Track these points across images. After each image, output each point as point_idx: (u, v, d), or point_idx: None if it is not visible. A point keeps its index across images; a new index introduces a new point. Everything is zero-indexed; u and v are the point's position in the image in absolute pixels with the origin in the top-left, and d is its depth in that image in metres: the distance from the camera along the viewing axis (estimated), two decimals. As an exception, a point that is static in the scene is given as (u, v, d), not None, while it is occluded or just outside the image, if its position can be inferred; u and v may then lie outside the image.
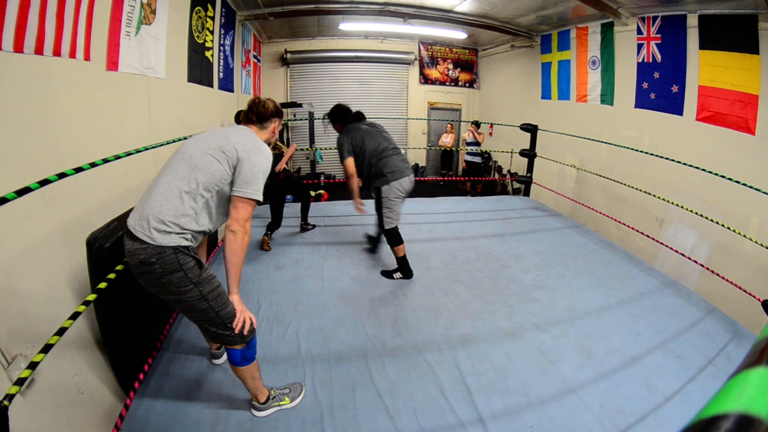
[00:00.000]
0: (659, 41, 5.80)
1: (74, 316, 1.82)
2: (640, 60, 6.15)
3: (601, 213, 5.78)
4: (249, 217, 1.95)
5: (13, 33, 2.03)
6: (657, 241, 4.74)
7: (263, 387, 2.25)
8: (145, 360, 2.58)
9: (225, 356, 2.54)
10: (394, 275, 3.89)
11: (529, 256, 4.40)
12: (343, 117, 3.92)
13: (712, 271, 3.98)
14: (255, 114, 2.21)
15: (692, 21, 5.28)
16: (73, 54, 2.55)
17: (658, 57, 5.85)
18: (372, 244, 4.57)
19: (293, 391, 2.38)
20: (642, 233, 4.88)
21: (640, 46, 6.12)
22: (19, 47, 2.08)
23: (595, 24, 6.97)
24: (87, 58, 2.71)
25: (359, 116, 3.99)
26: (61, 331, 1.72)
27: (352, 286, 3.73)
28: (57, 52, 2.39)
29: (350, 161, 3.77)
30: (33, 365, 1.58)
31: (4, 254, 1.91)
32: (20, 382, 1.49)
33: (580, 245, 4.75)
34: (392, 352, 2.83)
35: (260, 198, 1.97)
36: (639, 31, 6.09)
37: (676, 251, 4.43)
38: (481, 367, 2.67)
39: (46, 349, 1.63)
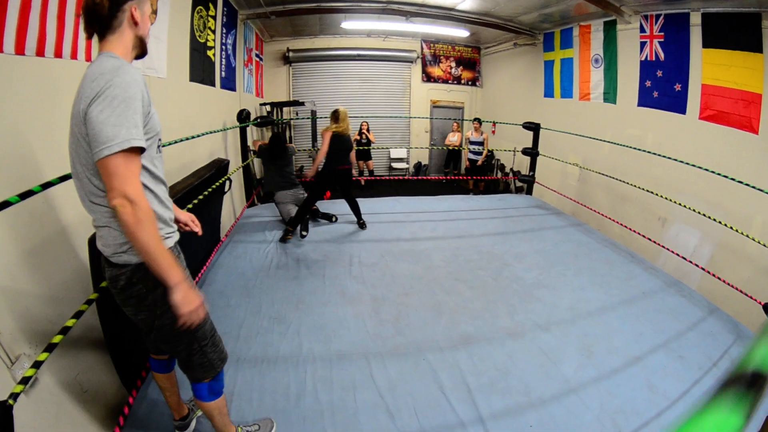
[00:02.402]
0: (662, 39, 5.75)
1: (77, 315, 1.84)
2: (643, 58, 6.10)
3: (602, 215, 5.77)
4: (126, 176, 1.34)
5: (15, 35, 2.03)
6: (658, 243, 4.71)
7: (230, 424, 2.03)
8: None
9: (192, 427, 2.23)
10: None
11: (531, 254, 4.40)
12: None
13: (713, 275, 3.95)
14: (92, 19, 1.45)
15: (695, 19, 5.23)
16: (74, 55, 2.54)
17: (661, 55, 5.81)
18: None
19: (263, 427, 2.18)
20: (643, 236, 4.85)
21: (643, 44, 6.07)
22: (20, 49, 2.07)
23: (597, 22, 6.92)
24: (88, 59, 2.68)
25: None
26: (64, 330, 1.73)
27: (353, 285, 3.74)
28: (58, 54, 2.39)
29: None
30: (37, 364, 1.59)
31: (8, 256, 1.91)
32: (25, 381, 1.51)
33: (583, 244, 4.75)
34: (393, 350, 2.84)
35: (135, 143, 1.34)
36: (642, 29, 6.05)
37: (677, 254, 4.40)
38: (482, 366, 2.66)
39: (50, 348, 1.65)
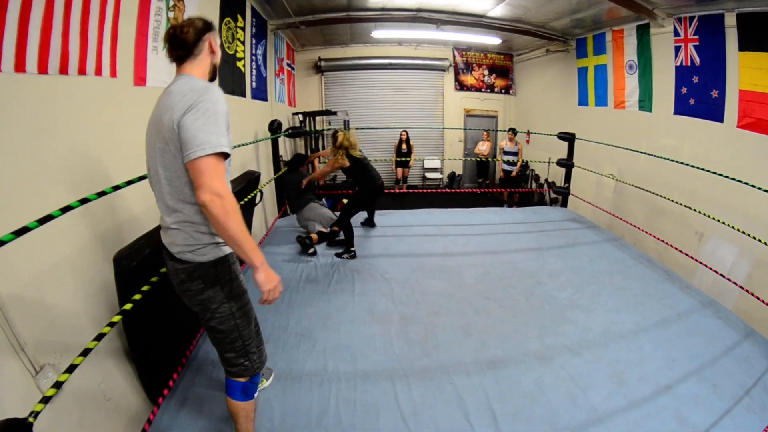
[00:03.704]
0: (697, 43, 5.51)
1: (99, 337, 1.86)
2: (678, 63, 5.87)
3: (639, 228, 5.58)
4: (216, 175, 1.55)
5: (37, 55, 2.05)
6: (694, 258, 4.49)
7: None
8: (171, 372, 2.64)
9: None
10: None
11: (565, 272, 4.29)
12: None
13: (751, 293, 3.73)
14: (178, 46, 1.73)
15: (730, 20, 4.98)
16: (98, 72, 2.56)
17: (697, 60, 5.56)
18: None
19: None
20: (680, 250, 4.66)
21: (677, 49, 5.84)
22: (43, 69, 2.09)
23: (630, 26, 6.71)
24: (113, 74, 2.72)
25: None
26: (86, 352, 1.76)
27: (382, 302, 3.71)
28: (82, 71, 2.40)
29: None
30: (58, 384, 1.61)
31: (36, 268, 1.97)
32: (45, 400, 1.53)
33: (618, 261, 4.61)
34: (419, 373, 2.80)
35: (224, 149, 1.57)
36: (676, 33, 5.81)
37: (714, 270, 4.19)
38: (509, 392, 2.60)
39: (71, 369, 1.67)
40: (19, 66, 1.94)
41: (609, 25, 7.22)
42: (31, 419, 1.42)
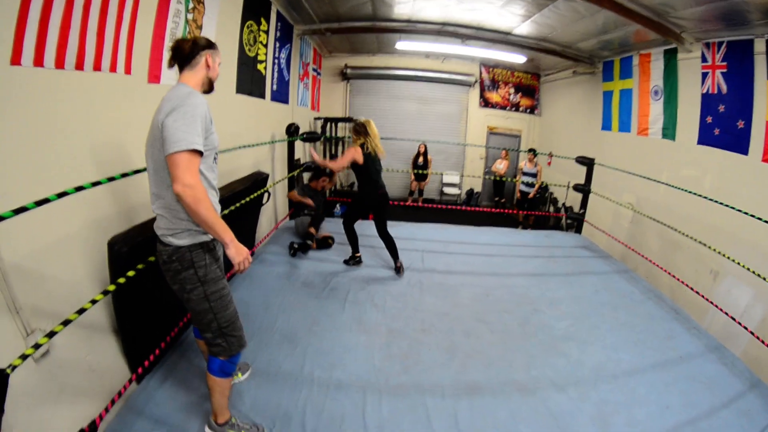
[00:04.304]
0: (725, 70, 5.24)
1: (80, 311, 2.00)
2: (705, 91, 5.59)
3: (652, 262, 5.34)
4: (188, 169, 1.78)
5: (55, 51, 2.18)
6: (706, 298, 4.22)
7: (226, 409, 2.29)
8: (154, 350, 2.74)
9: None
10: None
11: (567, 301, 4.13)
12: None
13: (762, 341, 3.48)
14: (176, 56, 2.02)
15: (760, 47, 4.72)
16: (113, 68, 2.68)
17: (724, 88, 5.29)
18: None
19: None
20: (692, 289, 4.40)
21: (704, 75, 5.57)
22: (60, 64, 2.23)
23: (658, 50, 6.46)
24: (128, 71, 2.84)
25: None
26: (66, 323, 1.91)
27: (372, 313, 3.67)
28: (97, 67, 2.53)
29: None
30: (37, 346, 1.80)
31: (37, 243, 2.13)
32: (24, 357, 1.69)
33: (625, 294, 4.41)
34: (393, 389, 2.73)
35: (197, 146, 1.80)
36: (704, 59, 5.55)
37: (725, 313, 3.93)
38: (480, 421, 2.48)
39: (51, 335, 1.85)
40: (38, 61, 2.10)
41: (637, 48, 7.00)
42: (8, 371, 1.58)
